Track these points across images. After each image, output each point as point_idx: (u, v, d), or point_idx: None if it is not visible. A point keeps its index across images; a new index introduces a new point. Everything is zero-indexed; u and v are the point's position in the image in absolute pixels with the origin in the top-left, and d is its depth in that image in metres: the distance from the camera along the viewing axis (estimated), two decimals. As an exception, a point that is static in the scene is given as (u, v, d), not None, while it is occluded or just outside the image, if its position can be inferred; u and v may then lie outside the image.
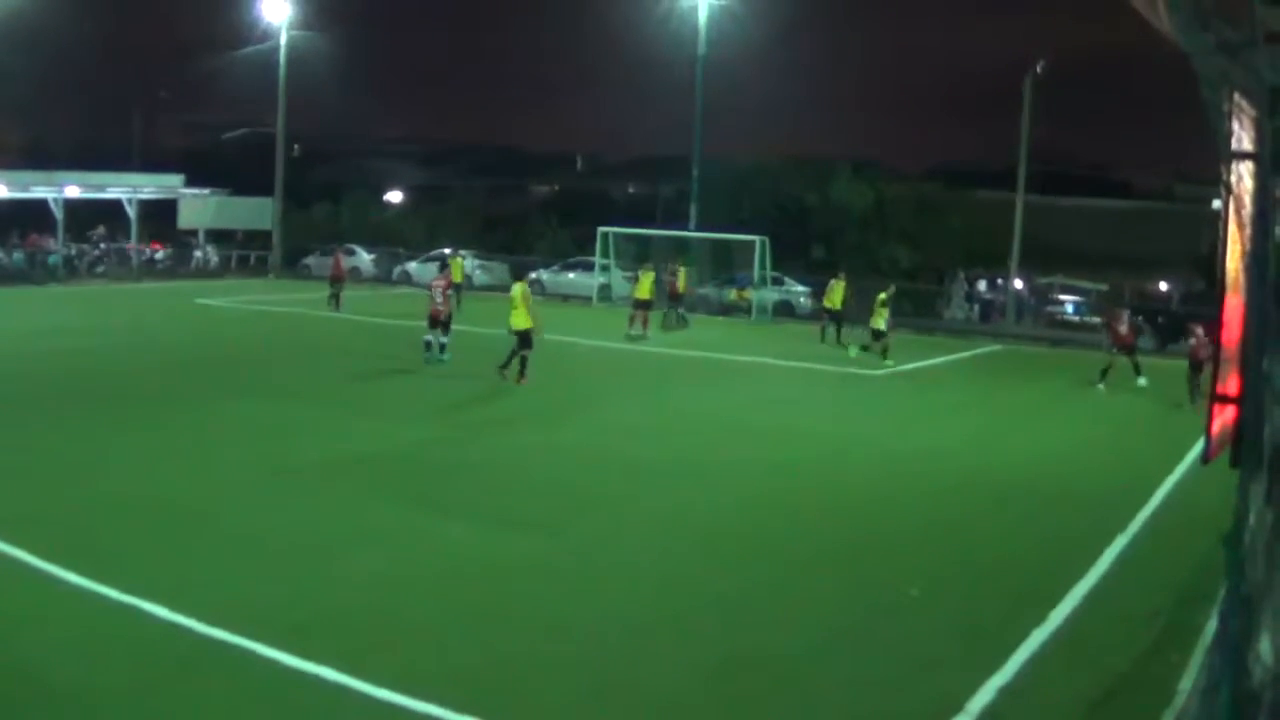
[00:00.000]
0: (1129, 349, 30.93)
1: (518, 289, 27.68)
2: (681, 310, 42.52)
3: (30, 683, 10.30)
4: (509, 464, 19.61)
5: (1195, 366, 27.90)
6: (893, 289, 35.31)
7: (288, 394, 25.85)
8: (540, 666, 11.02)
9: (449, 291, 31.26)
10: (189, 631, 11.47)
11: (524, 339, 26.52)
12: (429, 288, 31.63)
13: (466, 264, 56.86)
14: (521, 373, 26.41)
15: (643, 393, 27.37)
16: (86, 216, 65.62)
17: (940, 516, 17.36)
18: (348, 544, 14.78)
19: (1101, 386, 29.97)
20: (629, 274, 47.40)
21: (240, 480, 17.93)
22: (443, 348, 29.82)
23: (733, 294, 48.97)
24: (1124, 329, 31.20)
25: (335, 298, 44.27)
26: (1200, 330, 27.54)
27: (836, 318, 38.47)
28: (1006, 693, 10.69)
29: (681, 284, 41.39)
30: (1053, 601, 13.18)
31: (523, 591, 13.23)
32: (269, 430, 21.90)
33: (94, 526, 15.13)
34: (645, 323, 38.22)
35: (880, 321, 33.20)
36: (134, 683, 10.40)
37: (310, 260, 62.98)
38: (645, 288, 38.18)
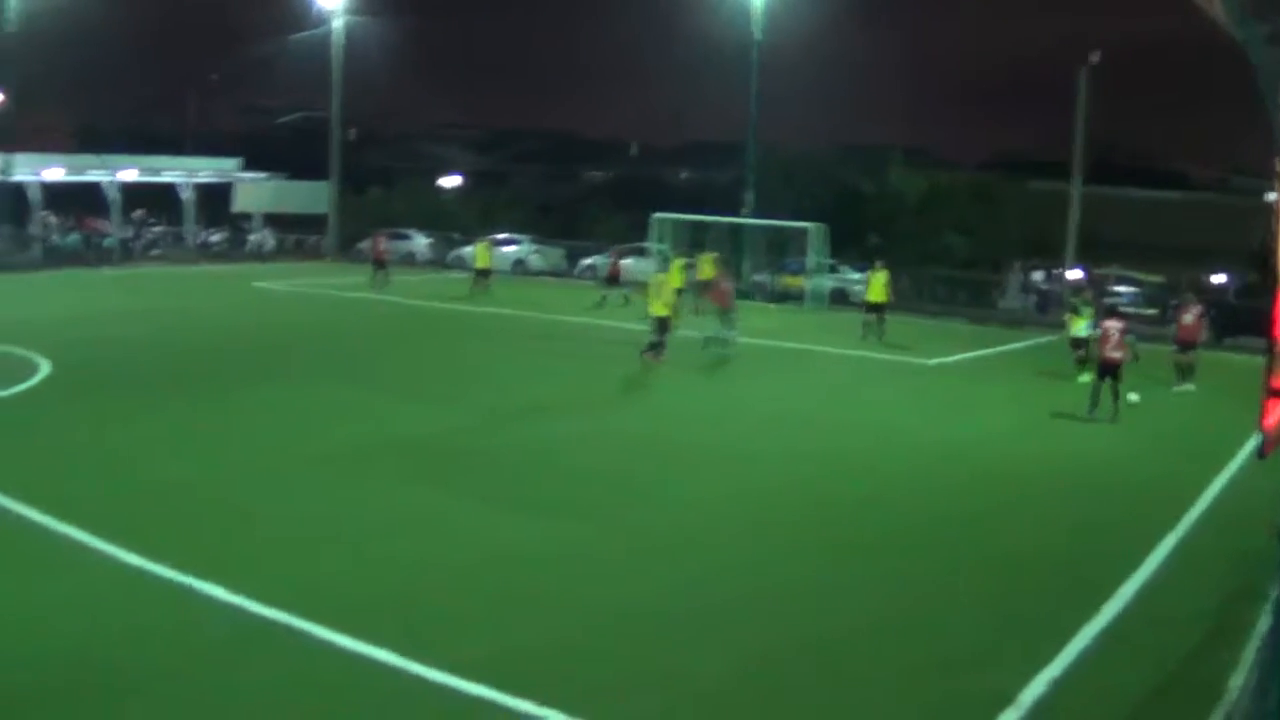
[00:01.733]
0: (1190, 345, 29.24)
1: (657, 277, 27.17)
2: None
3: (85, 662, 10.43)
4: (555, 450, 19.67)
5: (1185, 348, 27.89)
6: (1088, 295, 32.54)
7: (339, 378, 25.94)
8: (588, 652, 11.10)
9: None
10: (243, 611, 11.63)
11: (661, 325, 26.05)
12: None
13: (523, 248, 56.93)
14: (655, 354, 26.15)
15: (691, 379, 27.18)
16: (142, 201, 65.94)
17: (990, 507, 17.31)
18: (399, 527, 14.94)
19: (1189, 386, 28.79)
20: (685, 260, 47.35)
21: (292, 463, 18.14)
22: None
23: (785, 280, 48.68)
24: (1190, 319, 29.53)
25: (379, 280, 44.52)
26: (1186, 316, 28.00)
27: (879, 310, 36.16)
28: (1057, 686, 10.65)
29: (708, 272, 38.85)
30: (1104, 595, 13.10)
31: (571, 577, 13.30)
32: (320, 414, 22.09)
33: (147, 507, 15.32)
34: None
35: (1081, 327, 31.16)
36: (188, 662, 10.53)
37: (365, 244, 63.04)
38: (675, 277, 37.39)
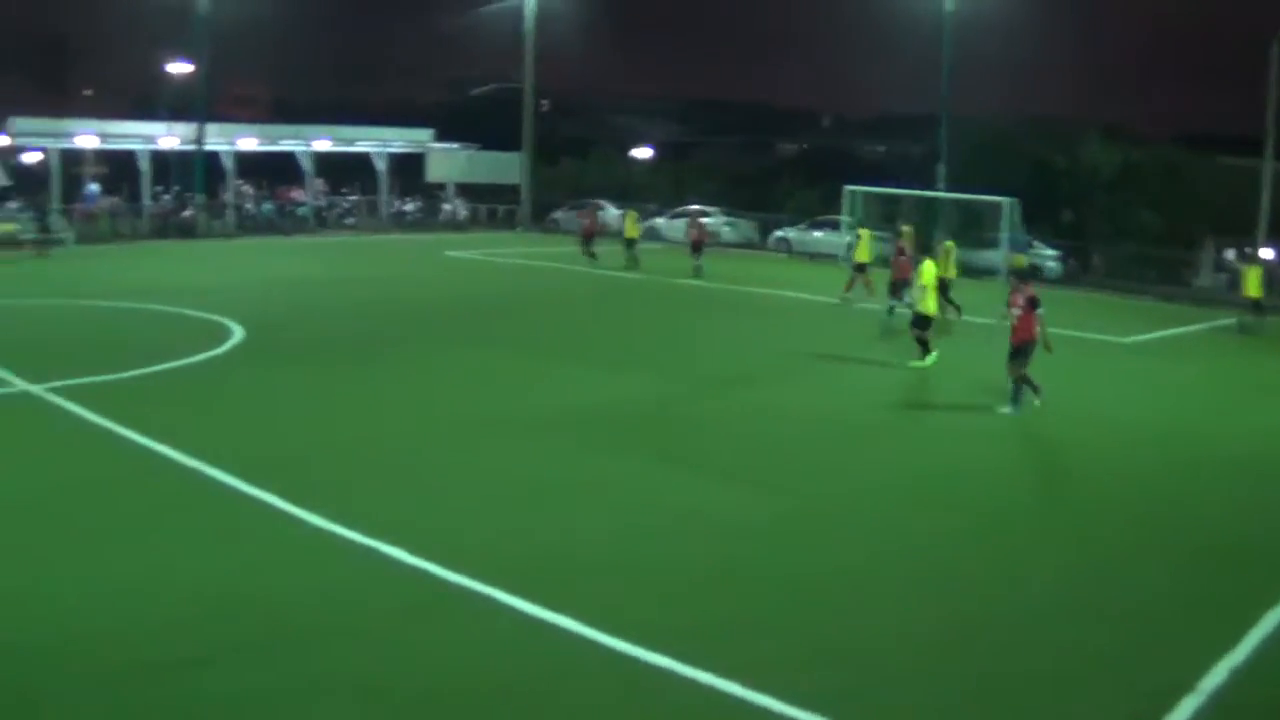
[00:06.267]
0: None
1: (930, 267, 25.03)
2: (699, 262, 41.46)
3: (272, 621, 10.73)
4: (740, 421, 19.59)
5: None
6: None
7: (531, 346, 26.18)
8: (770, 625, 11.07)
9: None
10: (428, 575, 11.84)
11: (922, 321, 24.85)
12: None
13: (714, 220, 56.34)
14: (923, 354, 24.70)
15: (880, 354, 26.46)
16: (337, 170, 66.77)
17: (1172, 491, 16.75)
18: (585, 495, 15.04)
19: None
20: (878, 233, 46.31)
21: (482, 429, 18.37)
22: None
23: (1016, 259, 46.90)
24: None
25: (591, 253, 44.42)
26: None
27: (943, 289, 30.76)
28: (1239, 674, 10.34)
29: (865, 253, 36.36)
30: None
31: (750, 549, 13.24)
32: (512, 381, 22.32)
33: (337, 470, 15.73)
34: (859, 286, 35.24)
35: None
36: (373, 623, 10.76)
37: (558, 214, 63.09)
38: (864, 250, 35.96)
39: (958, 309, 31.66)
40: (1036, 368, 20.43)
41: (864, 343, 27.48)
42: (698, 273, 40.95)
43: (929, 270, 24.48)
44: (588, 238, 45.55)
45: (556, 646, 10.35)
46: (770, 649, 10.42)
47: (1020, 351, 20.17)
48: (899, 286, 30.46)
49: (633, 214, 47.15)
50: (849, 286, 35.30)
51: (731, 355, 25.91)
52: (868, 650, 10.53)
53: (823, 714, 9.20)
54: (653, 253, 46.54)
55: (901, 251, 31.09)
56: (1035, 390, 20.20)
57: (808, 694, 9.44)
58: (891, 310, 30.84)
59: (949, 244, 32.98)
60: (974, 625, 11.20)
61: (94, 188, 58.88)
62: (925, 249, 27.78)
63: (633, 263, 43.76)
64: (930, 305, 24.47)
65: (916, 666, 10.23)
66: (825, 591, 12.01)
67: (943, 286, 30.42)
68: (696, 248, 42.45)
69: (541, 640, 10.47)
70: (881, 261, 37.05)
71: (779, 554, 13.10)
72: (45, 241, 44.57)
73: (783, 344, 27.22)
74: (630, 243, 44.88)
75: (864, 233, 37.07)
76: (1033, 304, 20.09)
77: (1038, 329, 19.96)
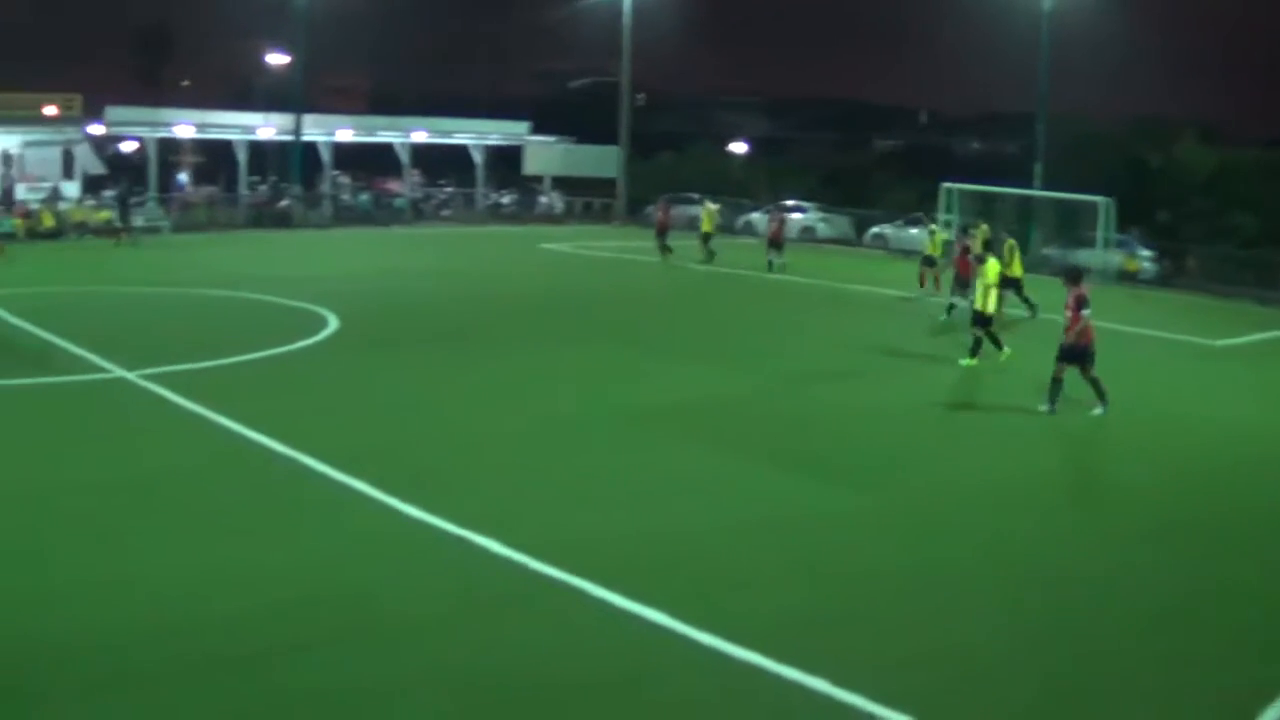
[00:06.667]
0: None
1: (994, 265, 24.52)
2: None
3: (363, 607, 10.84)
4: (831, 417, 19.54)
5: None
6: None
7: (625, 339, 26.23)
8: (857, 622, 11.00)
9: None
10: (518, 566, 11.87)
11: (983, 320, 24.37)
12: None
13: (810, 216, 55.92)
14: (974, 351, 24.22)
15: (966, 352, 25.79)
16: (434, 162, 67.04)
17: (1268, 496, 16.31)
18: (674, 489, 15.00)
19: None
20: (971, 230, 45.94)
21: (577, 422, 18.44)
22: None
23: (1128, 262, 46.06)
24: None
25: (666, 247, 44.02)
26: None
27: (1016, 287, 30.86)
28: None
29: (936, 248, 35.74)
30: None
31: (841, 544, 13.24)
32: (603, 374, 22.35)
33: (431, 461, 15.85)
34: (930, 281, 34.98)
35: None
36: (462, 613, 10.85)
37: (653, 209, 62.90)
38: (935, 246, 35.42)
39: (1032, 308, 30.92)
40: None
41: (958, 340, 26.79)
42: (778, 269, 40.47)
43: (993, 269, 24.07)
44: (661, 232, 45.06)
45: (647, 640, 10.32)
46: (860, 646, 10.35)
47: (1073, 354, 19.58)
48: (960, 284, 30.08)
49: (709, 209, 46.70)
50: (922, 282, 35.17)
51: (825, 351, 25.73)
52: (959, 650, 10.42)
53: (910, 713, 9.08)
54: (747, 249, 46.06)
55: (965, 250, 30.62)
56: (1102, 398, 19.66)
57: (896, 692, 9.33)
58: (951, 309, 30.43)
59: (1010, 241, 32.24)
60: (1069, 627, 11.05)
61: (181, 177, 59.53)
62: (988, 246, 27.00)
63: (709, 256, 43.40)
64: (991, 304, 24.05)
65: (1008, 669, 10.13)
66: (918, 589, 11.91)
67: (1015, 285, 30.52)
68: (775, 243, 41.67)
69: (632, 634, 10.45)
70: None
71: (871, 549, 13.05)
72: (123, 230, 44.91)
73: (876, 340, 26.91)
74: (706, 237, 44.45)
75: (936, 229, 36.89)
76: (1080, 304, 19.55)
77: (1084, 329, 19.42)
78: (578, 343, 25.35)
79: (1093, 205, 45.12)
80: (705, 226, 44.90)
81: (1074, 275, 20.06)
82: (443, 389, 20.47)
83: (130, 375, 19.96)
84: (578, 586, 11.27)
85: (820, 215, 58.00)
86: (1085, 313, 19.43)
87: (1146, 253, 46.77)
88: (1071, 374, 19.63)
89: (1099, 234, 44.93)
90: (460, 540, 12.51)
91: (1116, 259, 45.12)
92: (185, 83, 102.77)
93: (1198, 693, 9.85)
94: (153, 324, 26.22)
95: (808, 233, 56.04)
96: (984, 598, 11.74)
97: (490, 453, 16.39)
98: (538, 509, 13.90)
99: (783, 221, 44.38)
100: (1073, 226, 47.70)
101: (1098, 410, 19.58)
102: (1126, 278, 43.93)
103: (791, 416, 19.35)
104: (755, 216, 58.04)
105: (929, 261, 35.42)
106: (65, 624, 10.15)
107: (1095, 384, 19.62)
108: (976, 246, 30.39)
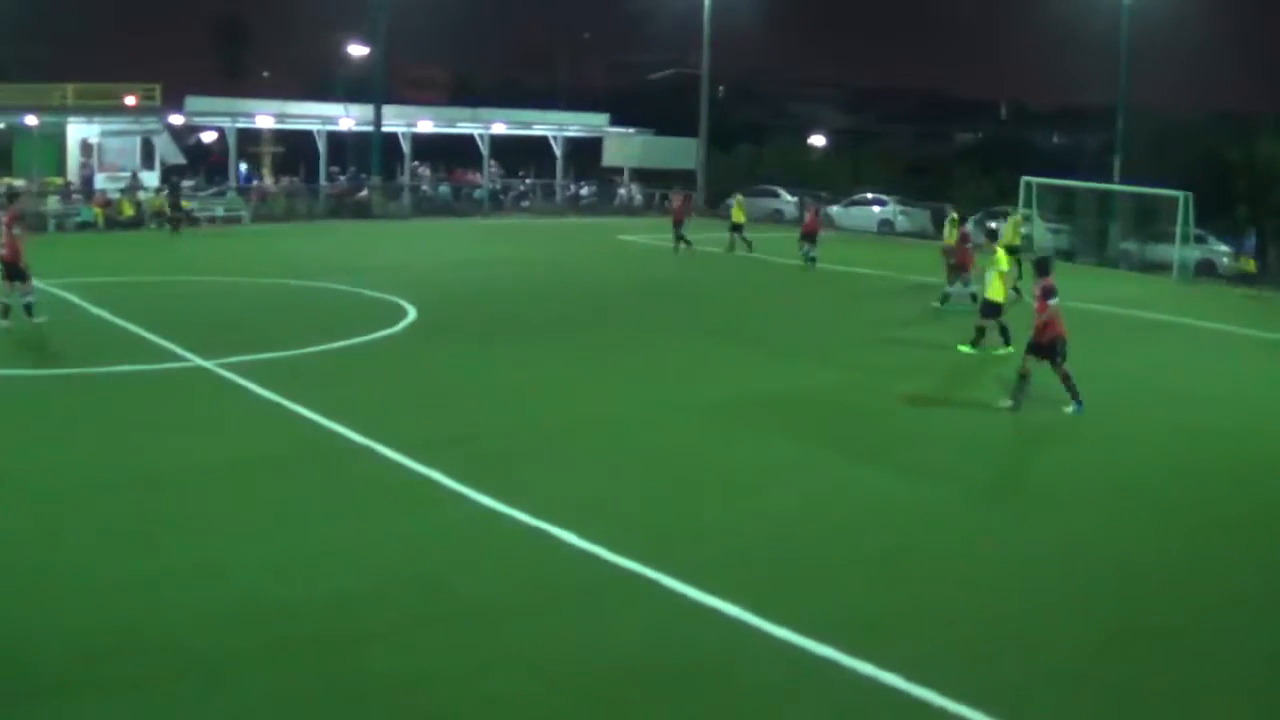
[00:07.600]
0: None
1: (1004, 254, 24.86)
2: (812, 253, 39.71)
3: (439, 596, 10.97)
4: (914, 413, 19.47)
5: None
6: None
7: (703, 330, 26.28)
8: (935, 618, 10.91)
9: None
10: (595, 558, 11.91)
11: (990, 308, 24.10)
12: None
13: (889, 209, 55.58)
14: (976, 340, 24.19)
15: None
16: (514, 154, 67.18)
17: None
18: (756, 482, 15.02)
19: None
20: (1052, 225, 45.27)
21: (653, 413, 18.45)
22: None
23: (1243, 262, 45.25)
24: None
25: (681, 239, 43.39)
26: None
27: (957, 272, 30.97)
28: None
29: (952, 239, 33.64)
30: None
31: (922, 541, 13.13)
32: (683, 365, 22.33)
33: (508, 451, 15.89)
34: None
35: None
36: (538, 604, 10.87)
37: (729, 201, 62.67)
38: (1011, 233, 34.59)
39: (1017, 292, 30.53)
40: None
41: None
42: (810, 263, 39.66)
43: (1003, 258, 23.98)
44: (678, 223, 44.25)
45: (722, 634, 10.31)
46: (937, 642, 10.30)
47: (1042, 348, 19.06)
48: (957, 271, 30.24)
49: (740, 200, 46.65)
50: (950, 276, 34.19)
51: (902, 345, 25.47)
52: (1040, 647, 10.32)
53: (987, 711, 9.01)
54: (831, 241, 45.71)
55: (965, 238, 30.64)
56: (1074, 395, 19.16)
57: (972, 690, 9.27)
58: (945, 298, 30.42)
59: (1015, 216, 31.91)
60: (1143, 625, 10.96)
61: (243, 168, 59.97)
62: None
63: (744, 246, 43.22)
64: (998, 292, 23.81)
65: (1089, 669, 10.01)
66: (998, 586, 11.84)
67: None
68: (809, 235, 40.38)
69: (707, 627, 10.43)
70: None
71: (950, 545, 12.96)
72: (176, 219, 45.19)
73: (955, 336, 26.05)
74: (737, 227, 44.14)
75: (954, 218, 35.42)
76: (1046, 294, 19.06)
77: (1049, 320, 18.91)
78: (656, 333, 25.47)
79: (1172, 200, 44.59)
80: (736, 217, 44.52)
81: (1042, 266, 19.61)
82: (520, 379, 20.48)
83: (209, 364, 20.17)
84: (653, 578, 11.29)
85: (899, 208, 57.75)
86: (1053, 302, 18.99)
87: (1225, 248, 46.11)
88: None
89: (1178, 229, 44.36)
90: (537, 530, 12.56)
91: (1194, 253, 44.36)
92: (265, 74, 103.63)
93: (1275, 689, 9.78)
94: (231, 314, 26.50)
95: (886, 226, 56.00)
96: (1071, 595, 11.56)
97: (567, 443, 16.42)
98: (615, 500, 13.96)
99: (817, 213, 43.47)
100: (1151, 221, 47.20)
101: (1070, 408, 19.12)
102: (1243, 279, 43.19)
103: (872, 410, 19.26)
104: (835, 210, 57.37)
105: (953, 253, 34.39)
106: (168, 607, 10.35)
107: (1066, 380, 19.13)
108: (1009, 235, 30.07)
